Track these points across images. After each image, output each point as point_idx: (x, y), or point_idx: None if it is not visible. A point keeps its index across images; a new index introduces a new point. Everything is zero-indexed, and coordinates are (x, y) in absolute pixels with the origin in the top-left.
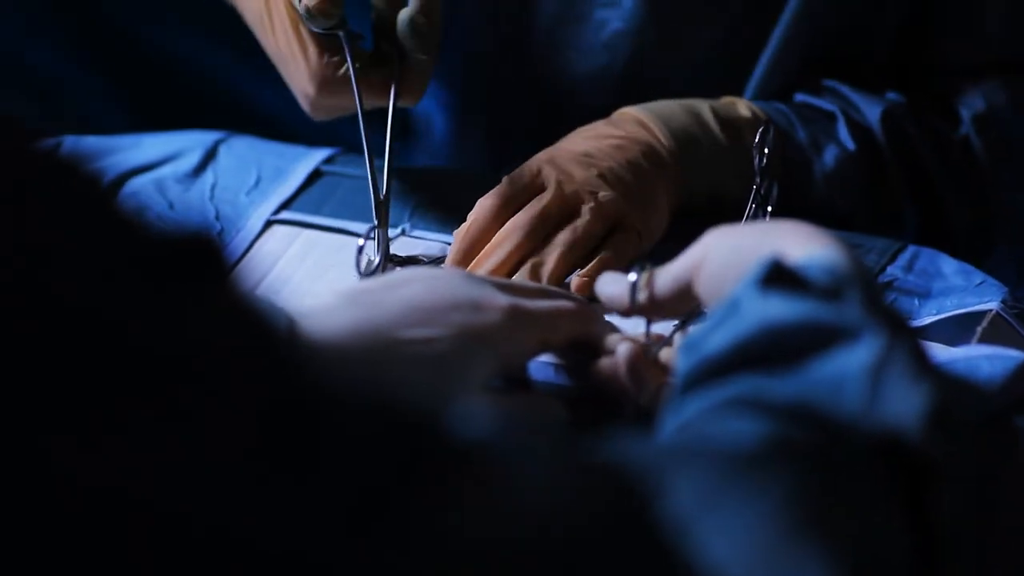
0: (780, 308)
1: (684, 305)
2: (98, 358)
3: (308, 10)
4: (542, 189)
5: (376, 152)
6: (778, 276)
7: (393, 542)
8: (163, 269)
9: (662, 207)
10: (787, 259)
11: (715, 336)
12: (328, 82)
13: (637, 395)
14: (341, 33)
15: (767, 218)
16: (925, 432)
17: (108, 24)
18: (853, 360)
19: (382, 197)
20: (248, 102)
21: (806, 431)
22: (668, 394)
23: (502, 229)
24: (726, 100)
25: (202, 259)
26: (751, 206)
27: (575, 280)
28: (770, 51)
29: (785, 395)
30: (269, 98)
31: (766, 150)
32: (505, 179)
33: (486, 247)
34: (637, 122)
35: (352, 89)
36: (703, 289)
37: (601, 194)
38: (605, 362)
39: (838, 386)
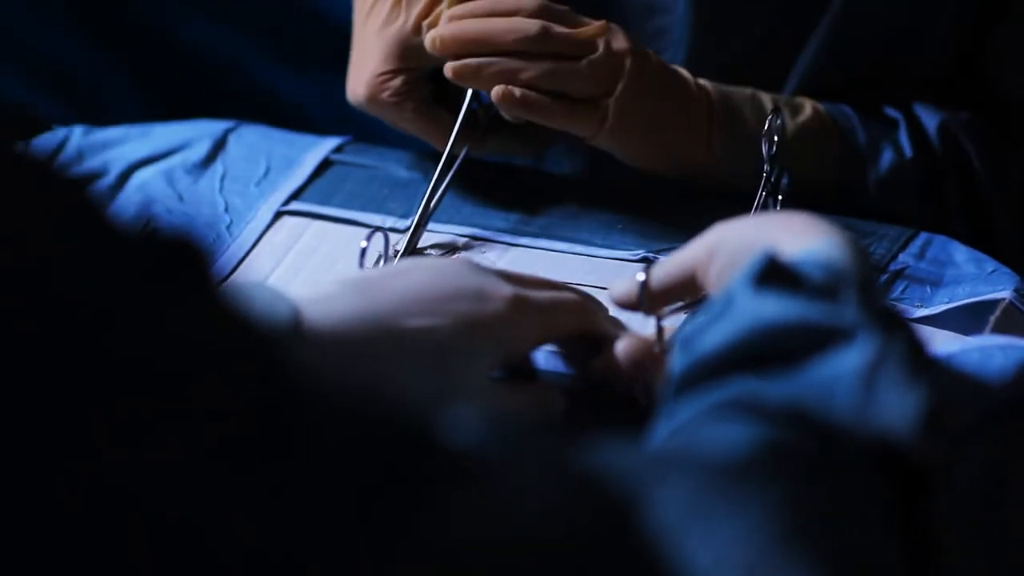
0: (774, 308)
1: (685, 295)
2: (75, 363)
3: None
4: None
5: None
6: (773, 273)
7: (377, 546)
8: (145, 272)
9: (656, 137)
10: (783, 254)
11: (709, 335)
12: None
13: (641, 389)
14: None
15: (777, 207)
16: (918, 436)
17: (120, 11)
18: (846, 363)
19: (432, 205)
20: (260, 88)
21: (798, 435)
22: (663, 395)
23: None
24: (791, 98)
25: (185, 262)
26: (761, 194)
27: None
28: (808, 55)
29: (778, 398)
30: (281, 84)
31: (775, 138)
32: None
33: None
34: (698, 85)
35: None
36: (712, 282)
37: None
38: (605, 359)
39: (831, 389)
